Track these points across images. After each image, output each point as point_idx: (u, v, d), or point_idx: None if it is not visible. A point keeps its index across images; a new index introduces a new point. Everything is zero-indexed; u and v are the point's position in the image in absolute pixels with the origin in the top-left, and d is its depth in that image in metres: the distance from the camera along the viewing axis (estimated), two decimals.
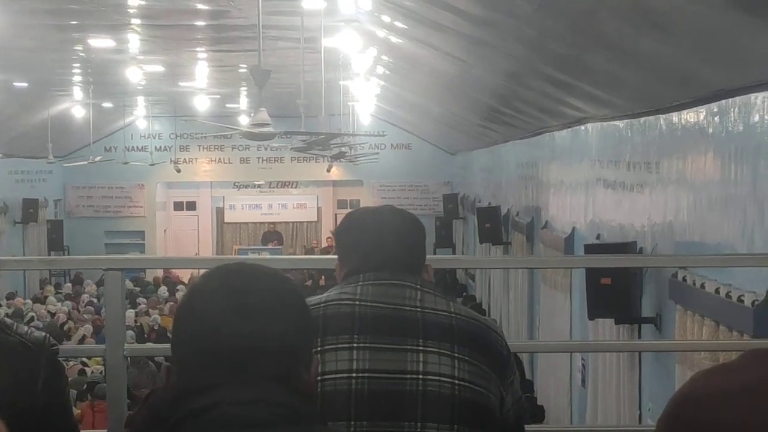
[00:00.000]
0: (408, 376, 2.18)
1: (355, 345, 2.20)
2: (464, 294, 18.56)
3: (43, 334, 2.34)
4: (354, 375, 2.18)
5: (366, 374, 2.18)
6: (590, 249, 7.16)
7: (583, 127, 9.16)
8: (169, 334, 15.66)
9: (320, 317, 2.20)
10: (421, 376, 2.18)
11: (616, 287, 6.54)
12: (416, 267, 2.36)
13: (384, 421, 2.16)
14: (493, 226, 13.84)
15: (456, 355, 2.21)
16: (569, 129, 9.75)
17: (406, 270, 2.32)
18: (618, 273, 6.41)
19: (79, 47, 13.81)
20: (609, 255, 6.20)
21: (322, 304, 2.26)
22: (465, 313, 2.30)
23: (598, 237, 8.16)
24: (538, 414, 9.32)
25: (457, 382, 2.19)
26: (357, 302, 2.25)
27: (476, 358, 2.23)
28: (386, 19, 11.02)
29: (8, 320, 2.32)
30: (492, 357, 2.26)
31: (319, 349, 2.17)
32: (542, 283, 10.88)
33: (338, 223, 2.49)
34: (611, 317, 6.84)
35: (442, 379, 2.19)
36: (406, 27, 10.94)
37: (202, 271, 1.76)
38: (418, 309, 2.25)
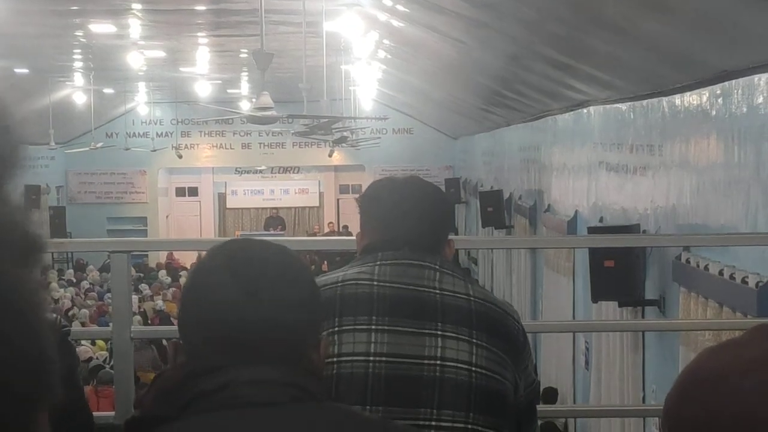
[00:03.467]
0: (426, 361, 2.15)
1: (373, 327, 2.17)
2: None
3: (54, 315, 2.35)
4: (372, 359, 2.15)
5: (384, 358, 2.15)
6: (593, 231, 7.17)
7: (585, 110, 9.14)
8: (172, 319, 15.72)
9: (337, 297, 2.18)
10: (438, 362, 2.15)
11: (620, 270, 6.55)
12: (438, 243, 2.32)
13: (400, 407, 2.13)
14: (496, 210, 13.85)
15: (474, 340, 2.18)
16: (571, 112, 9.74)
17: (426, 247, 2.28)
18: (621, 255, 6.42)
19: (80, 33, 13.78)
20: (611, 235, 6.20)
21: (339, 284, 2.21)
22: (483, 296, 2.27)
23: (601, 220, 8.17)
24: (550, 397, 9.35)
25: (474, 369, 2.17)
26: (375, 282, 2.21)
27: (493, 343, 2.21)
28: (388, 2, 10.99)
29: None
30: (509, 343, 2.24)
31: (336, 329, 2.15)
32: (545, 267, 10.89)
33: (363, 190, 2.44)
34: (615, 300, 6.85)
35: (459, 365, 2.16)
36: (407, 10, 10.91)
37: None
38: (437, 291, 2.22)
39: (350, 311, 2.17)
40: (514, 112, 12.51)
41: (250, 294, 1.50)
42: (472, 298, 2.23)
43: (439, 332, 2.18)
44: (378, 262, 2.24)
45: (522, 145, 13.35)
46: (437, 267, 2.25)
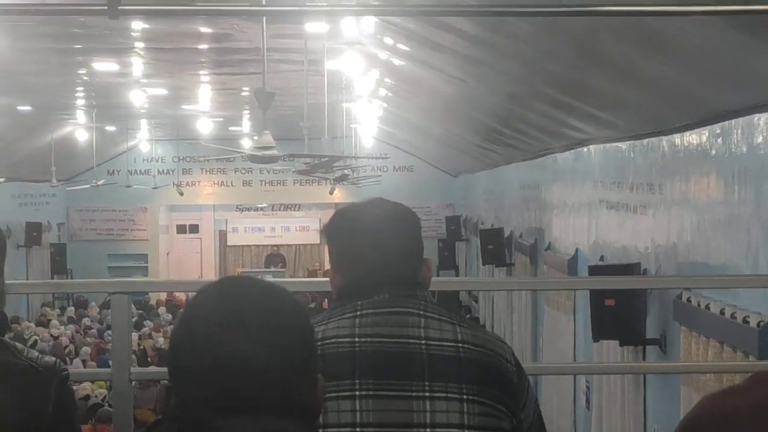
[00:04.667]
0: (415, 429, 2.05)
1: (357, 393, 2.06)
2: (468, 316, 18.53)
3: (54, 359, 2.34)
4: (358, 430, 2.05)
5: (371, 429, 2.05)
6: (594, 270, 7.16)
7: (585, 149, 9.17)
8: None
9: (318, 358, 2.12)
10: (428, 430, 2.05)
11: (621, 309, 6.53)
12: (416, 268, 2.22)
13: None
14: (496, 247, 13.84)
15: (465, 396, 2.08)
16: (572, 150, 9.76)
17: (406, 284, 2.17)
18: (622, 294, 6.41)
19: (82, 71, 13.86)
20: (612, 276, 6.20)
21: (319, 343, 2.03)
22: (472, 339, 2.15)
23: (601, 258, 8.16)
24: None
25: (467, 431, 2.07)
26: (356, 339, 2.09)
27: (486, 395, 2.10)
28: (389, 41, 11.06)
29: (19, 345, 2.33)
30: (502, 388, 2.14)
31: None
32: (546, 305, 10.87)
33: (327, 222, 2.30)
34: (616, 339, 6.83)
35: (451, 430, 2.06)
36: (408, 49, 10.98)
37: None
38: (423, 342, 2.10)
39: (333, 375, 2.02)
40: (514, 150, 12.55)
41: (239, 338, 1.47)
42: (460, 345, 2.12)
43: (427, 393, 2.07)
44: (358, 312, 2.13)
45: (522, 183, 13.37)
46: (421, 312, 2.14)
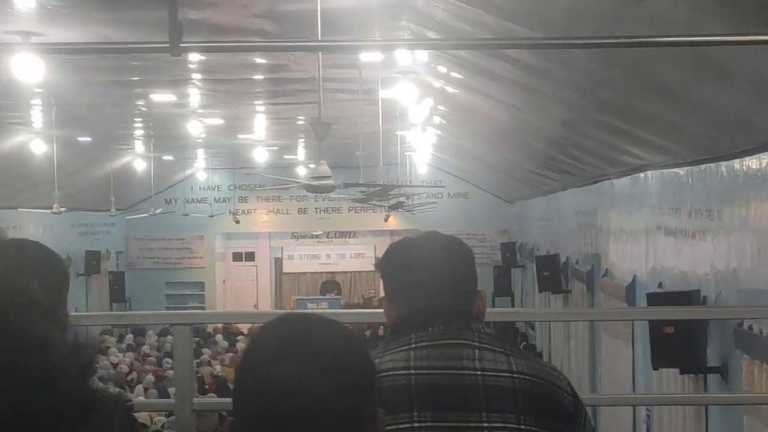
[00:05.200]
0: None
1: (416, 425, 2.06)
2: (524, 343, 18.40)
3: (118, 390, 2.38)
4: None
5: None
6: (652, 298, 7.09)
7: (642, 175, 9.10)
8: (229, 384, 15.73)
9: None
10: None
11: (680, 336, 6.45)
12: (469, 301, 2.23)
13: None
14: (553, 274, 13.75)
15: (522, 427, 2.08)
16: (628, 176, 9.69)
17: (459, 317, 2.19)
18: (682, 322, 6.33)
19: (141, 102, 14.09)
20: (672, 307, 6.12)
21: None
22: (527, 370, 2.15)
23: (659, 285, 8.08)
24: None
25: None
26: (412, 371, 2.10)
27: (543, 425, 2.11)
28: (442, 69, 11.10)
29: None
30: (559, 419, 2.14)
31: None
32: (603, 332, 10.77)
33: (382, 256, 2.33)
34: (676, 367, 6.75)
35: None
36: (461, 77, 11.01)
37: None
38: (479, 373, 2.11)
39: (390, 409, 2.02)
40: (570, 176, 12.49)
41: (301, 371, 1.50)
42: (515, 376, 2.13)
43: (485, 424, 2.08)
44: (413, 345, 2.14)
45: (578, 209, 13.29)
46: (476, 344, 2.15)
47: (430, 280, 2.20)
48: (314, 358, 1.51)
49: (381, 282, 2.30)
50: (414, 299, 2.21)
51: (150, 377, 15.95)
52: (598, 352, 11.27)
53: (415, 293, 2.21)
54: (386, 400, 2.01)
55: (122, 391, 2.56)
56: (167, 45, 2.76)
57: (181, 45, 2.74)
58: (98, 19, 8.38)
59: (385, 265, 2.29)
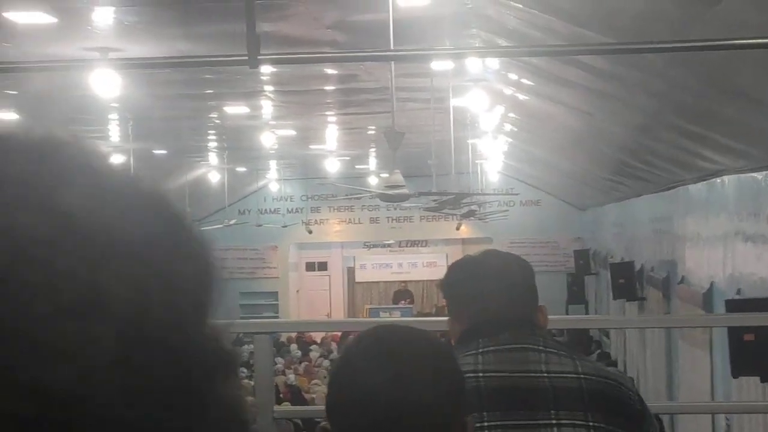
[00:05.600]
0: None
1: (486, 424, 2.10)
2: (598, 351, 18.21)
3: None
4: None
5: None
6: (731, 304, 6.97)
7: (719, 180, 8.97)
8: (303, 394, 15.83)
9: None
10: None
11: (761, 343, 6.34)
12: (531, 315, 2.28)
13: None
14: (627, 281, 13.60)
15: (591, 423, 2.11)
16: (704, 182, 9.56)
17: (522, 325, 2.24)
18: (762, 328, 6.22)
19: (214, 115, 14.29)
20: (753, 313, 6.02)
21: None
22: (592, 371, 2.21)
23: (738, 292, 7.94)
24: None
25: None
26: (480, 374, 2.15)
27: (611, 421, 2.14)
28: (513, 76, 11.07)
29: None
30: (626, 415, 2.17)
31: None
32: (681, 340, 10.62)
33: (444, 275, 2.41)
34: (756, 375, 6.63)
35: None
36: (532, 84, 10.97)
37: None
38: (545, 374, 2.15)
39: None
40: (644, 182, 12.35)
41: (395, 379, 1.53)
42: (582, 376, 2.16)
43: (554, 421, 2.11)
44: (480, 350, 2.19)
45: (653, 216, 13.13)
46: (541, 348, 2.20)
47: (492, 295, 2.26)
48: (409, 368, 1.55)
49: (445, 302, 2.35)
50: (477, 313, 2.27)
51: None
52: (675, 360, 11.11)
53: (478, 307, 2.27)
54: None
55: None
56: (246, 57, 2.80)
57: (259, 57, 2.79)
58: (173, 33, 8.53)
59: (448, 283, 2.36)
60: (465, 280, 2.33)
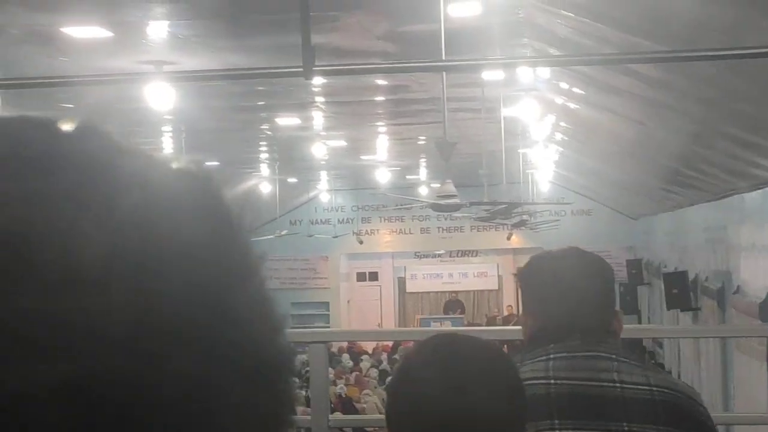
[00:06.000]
0: None
1: (557, 431, 2.09)
2: (652, 362, 18.04)
3: None
4: None
5: None
6: None
7: None
8: (354, 404, 15.83)
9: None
10: None
11: None
12: (608, 319, 2.24)
13: None
14: (681, 291, 13.46)
15: None
16: (759, 190, 9.45)
17: (597, 331, 2.20)
18: None
19: (266, 126, 14.40)
20: None
21: None
22: (665, 383, 2.17)
23: None
24: None
25: None
26: (551, 381, 2.13)
27: None
28: (564, 86, 11.03)
29: None
30: (696, 430, 2.15)
31: None
32: (736, 350, 10.49)
33: (523, 267, 2.37)
34: None
35: None
36: (583, 93, 10.92)
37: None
38: (617, 384, 2.12)
39: (530, 416, 2.02)
40: (697, 191, 12.23)
41: (455, 389, 1.54)
42: (654, 388, 2.13)
43: (626, 431, 2.08)
44: (551, 356, 2.17)
45: (707, 225, 13.00)
46: (613, 357, 2.17)
47: (570, 294, 2.22)
48: (468, 378, 1.56)
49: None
50: (552, 312, 2.23)
51: None
52: (730, 370, 10.98)
53: (554, 306, 2.23)
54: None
55: None
56: (300, 69, 2.84)
57: (314, 68, 2.82)
58: (226, 46, 8.63)
59: (526, 277, 2.32)
60: (543, 275, 2.28)
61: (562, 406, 2.11)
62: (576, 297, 2.23)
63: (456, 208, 7.41)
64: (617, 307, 2.31)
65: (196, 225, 0.50)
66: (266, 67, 3.65)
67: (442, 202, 7.02)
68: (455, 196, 7.01)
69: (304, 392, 12.29)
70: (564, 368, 2.15)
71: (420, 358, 1.62)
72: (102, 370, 0.43)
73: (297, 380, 17.75)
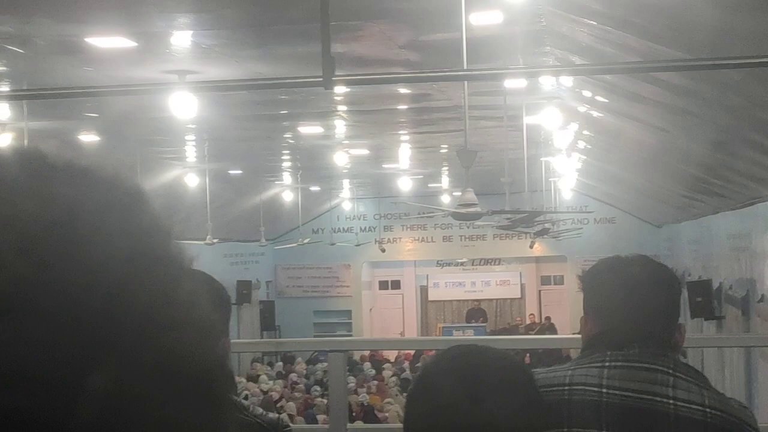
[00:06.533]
0: None
1: None
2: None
3: (277, 415, 2.47)
4: None
5: None
6: None
7: None
8: (376, 413, 15.81)
9: (565, 402, 2.10)
10: None
11: None
12: (669, 331, 2.20)
13: None
14: (705, 300, 13.38)
15: None
16: None
17: (656, 339, 2.16)
18: None
19: (288, 135, 14.44)
20: None
21: (567, 388, 2.12)
22: (720, 406, 2.12)
23: None
24: None
25: None
26: (604, 389, 2.10)
27: None
28: (587, 94, 11.00)
29: (244, 402, 2.47)
30: None
31: None
32: (761, 359, 10.42)
33: (588, 270, 2.32)
34: None
35: None
36: (606, 101, 10.89)
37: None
38: (671, 401, 2.08)
39: (579, 422, 2.08)
40: (722, 198, 12.16)
41: (473, 399, 1.55)
42: (708, 410, 2.09)
43: None
44: (607, 363, 2.14)
45: (731, 233, 12.92)
46: (671, 371, 2.12)
47: (633, 302, 2.18)
48: (485, 388, 1.57)
49: (582, 296, 2.26)
50: (614, 318, 2.20)
51: (290, 404, 16.20)
52: (755, 380, 10.90)
53: (615, 312, 2.19)
54: (575, 413, 2.07)
55: (281, 417, 2.61)
56: (320, 79, 2.85)
57: (333, 78, 2.83)
58: (249, 55, 8.66)
59: (590, 279, 2.28)
60: (607, 280, 2.25)
61: (611, 417, 2.08)
62: (640, 305, 2.19)
63: (477, 216, 7.39)
64: (681, 320, 2.27)
65: (117, 240, 0.50)
66: (286, 77, 3.67)
67: (463, 210, 7.01)
68: (476, 204, 7.00)
69: (325, 400, 12.28)
70: (618, 377, 2.12)
71: (438, 367, 1.64)
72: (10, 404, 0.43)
73: (319, 389, 17.75)
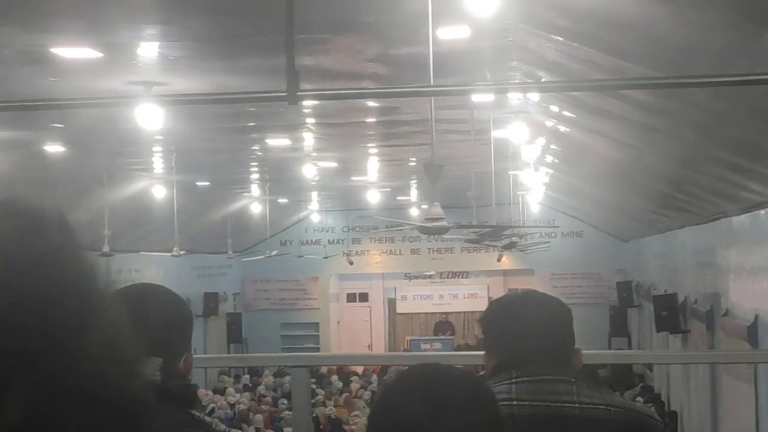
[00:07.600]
0: None
1: None
2: (641, 384, 18.01)
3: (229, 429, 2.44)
4: None
5: None
6: None
7: (763, 212, 8.88)
8: (344, 427, 15.76)
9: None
10: None
11: None
12: (565, 355, 2.36)
13: None
14: (671, 314, 13.47)
15: None
16: (748, 213, 9.47)
17: (555, 361, 2.32)
18: None
19: (256, 147, 14.40)
20: None
21: None
22: (620, 404, 2.32)
23: None
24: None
25: None
26: (514, 402, 2.23)
27: None
28: (554, 108, 11.06)
29: (207, 419, 2.43)
30: None
31: None
32: (725, 374, 10.48)
33: (484, 312, 2.51)
34: None
35: None
36: (574, 116, 10.95)
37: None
38: (576, 405, 2.24)
39: None
40: (687, 213, 12.25)
41: (434, 420, 1.55)
42: (610, 408, 2.26)
43: None
44: (514, 380, 2.27)
45: (696, 248, 13.01)
46: (572, 381, 2.29)
47: (530, 334, 2.34)
48: (447, 408, 1.57)
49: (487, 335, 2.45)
50: (513, 347, 2.35)
51: (259, 417, 16.13)
52: (719, 394, 10.97)
53: (514, 344, 2.35)
54: None
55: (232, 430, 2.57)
56: (285, 94, 2.84)
57: (298, 93, 2.82)
58: (216, 68, 8.63)
59: (488, 319, 2.44)
60: (504, 318, 2.41)
61: (526, 426, 2.20)
62: (535, 334, 2.34)
63: (442, 231, 7.41)
64: (578, 343, 2.42)
65: (27, 276, 0.49)
66: (251, 91, 3.65)
67: (429, 225, 7.02)
68: (442, 218, 7.01)
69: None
70: (526, 391, 2.26)
71: (401, 387, 1.63)
72: None
73: (285, 402, 17.68)
